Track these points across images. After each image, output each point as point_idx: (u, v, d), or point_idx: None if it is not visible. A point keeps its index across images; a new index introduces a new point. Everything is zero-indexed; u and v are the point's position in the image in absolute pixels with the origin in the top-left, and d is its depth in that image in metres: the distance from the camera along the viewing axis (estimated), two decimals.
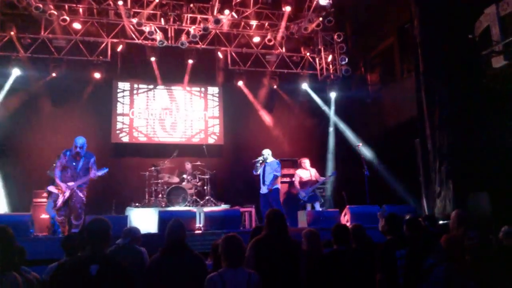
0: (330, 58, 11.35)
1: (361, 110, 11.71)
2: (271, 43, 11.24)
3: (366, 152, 9.68)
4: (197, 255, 3.81)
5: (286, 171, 9.85)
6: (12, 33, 9.84)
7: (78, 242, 3.83)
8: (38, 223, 8.45)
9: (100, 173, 7.09)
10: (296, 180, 9.15)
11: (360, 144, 9.27)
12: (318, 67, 11.59)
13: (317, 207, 8.96)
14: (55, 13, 9.57)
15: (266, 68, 11.48)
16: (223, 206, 9.50)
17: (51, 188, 7.54)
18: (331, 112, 11.76)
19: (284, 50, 11.48)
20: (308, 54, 11.69)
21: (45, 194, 8.59)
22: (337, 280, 3.92)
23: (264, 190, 8.47)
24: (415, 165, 8.94)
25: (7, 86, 10.02)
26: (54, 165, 7.60)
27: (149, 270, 3.86)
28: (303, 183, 9.06)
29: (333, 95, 11.64)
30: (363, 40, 11.98)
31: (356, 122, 11.51)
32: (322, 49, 11.40)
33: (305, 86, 11.73)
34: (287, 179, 9.88)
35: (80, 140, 6.99)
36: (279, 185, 8.68)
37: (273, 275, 3.72)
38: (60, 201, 6.87)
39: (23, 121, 10.20)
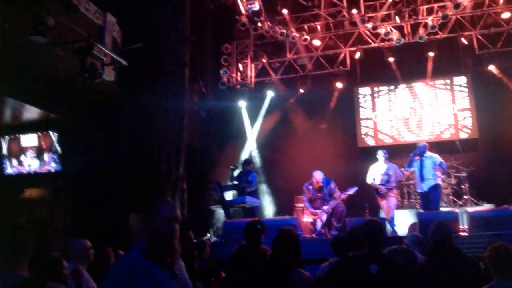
0: None
1: None
2: None
3: None
4: (470, 258, 3.57)
5: None
6: (264, 60, 11.33)
7: (348, 243, 4.06)
8: (301, 225, 9.34)
9: (350, 192, 7.53)
10: None
11: None
12: None
13: None
14: (297, 35, 10.54)
15: None
16: (487, 206, 8.58)
17: (307, 217, 8.14)
18: None
19: None
20: None
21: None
22: None
23: (423, 187, 7.67)
24: None
25: (264, 107, 11.56)
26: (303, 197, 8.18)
27: (418, 273, 3.80)
28: None
29: None
30: None
31: None
32: None
33: None
34: None
35: (320, 176, 7.61)
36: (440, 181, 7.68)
37: None
38: (319, 225, 7.57)
39: (281, 135, 11.49)
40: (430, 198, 7.67)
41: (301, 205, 9.76)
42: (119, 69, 7.35)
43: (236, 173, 8.89)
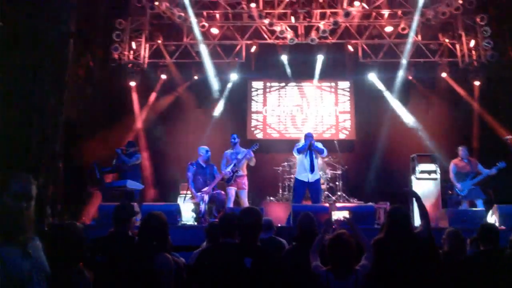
0: (472, 43, 10.39)
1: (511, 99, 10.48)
2: (405, 32, 10.68)
3: None
4: None
5: (424, 166, 9.23)
6: (159, 41, 10.99)
7: (220, 230, 4.10)
8: (185, 212, 9.26)
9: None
10: (451, 171, 8.25)
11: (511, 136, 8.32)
12: (458, 54, 10.69)
13: (480, 205, 7.82)
14: (195, 20, 10.39)
15: (400, 58, 10.94)
16: (356, 202, 9.33)
17: (189, 201, 8.04)
18: (474, 103, 10.74)
19: (419, 38, 10.81)
20: (447, 40, 10.83)
21: None
22: (482, 283, 3.62)
23: (310, 178, 7.69)
24: None
25: (156, 90, 11.25)
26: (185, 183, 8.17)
27: (285, 260, 4.00)
28: (460, 175, 8.14)
29: (476, 83, 10.61)
30: (510, 21, 10.69)
31: (505, 113, 10.35)
32: (463, 34, 10.50)
33: (444, 75, 10.90)
34: (425, 175, 9.21)
35: (203, 149, 7.89)
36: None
37: (396, 279, 3.52)
38: (203, 207, 7.52)
39: (171, 119, 11.31)
40: (316, 190, 7.83)
41: (185, 192, 9.70)
42: None
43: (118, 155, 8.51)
